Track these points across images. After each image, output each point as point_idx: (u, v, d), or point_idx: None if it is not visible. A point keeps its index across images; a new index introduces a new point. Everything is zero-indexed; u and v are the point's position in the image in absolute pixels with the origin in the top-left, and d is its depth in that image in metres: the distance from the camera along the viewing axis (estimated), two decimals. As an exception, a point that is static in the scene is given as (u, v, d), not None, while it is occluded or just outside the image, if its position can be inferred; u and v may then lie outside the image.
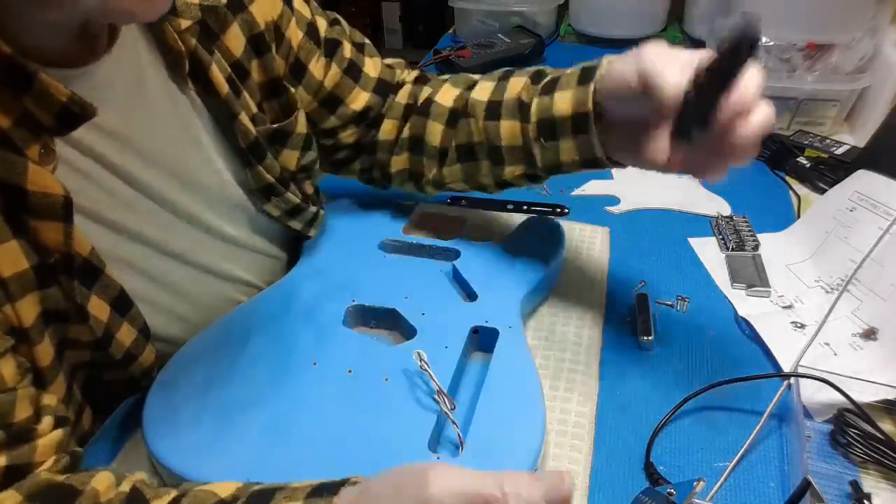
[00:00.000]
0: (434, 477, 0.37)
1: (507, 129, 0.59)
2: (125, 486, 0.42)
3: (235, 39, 0.55)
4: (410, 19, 3.43)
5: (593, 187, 0.90)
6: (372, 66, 0.68)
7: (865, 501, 0.50)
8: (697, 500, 0.50)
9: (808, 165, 0.91)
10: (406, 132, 0.68)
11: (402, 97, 0.69)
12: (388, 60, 0.71)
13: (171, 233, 0.55)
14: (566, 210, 0.85)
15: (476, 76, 0.67)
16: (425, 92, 0.68)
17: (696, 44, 1.28)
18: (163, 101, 0.52)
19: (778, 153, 0.94)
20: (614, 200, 0.87)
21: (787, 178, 0.92)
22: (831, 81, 0.96)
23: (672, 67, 0.46)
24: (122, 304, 0.50)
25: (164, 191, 0.53)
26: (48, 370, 0.45)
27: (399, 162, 0.69)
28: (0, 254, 0.40)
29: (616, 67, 0.52)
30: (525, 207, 0.85)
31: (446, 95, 0.66)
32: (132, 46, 0.50)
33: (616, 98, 0.53)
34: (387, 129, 0.69)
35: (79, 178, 0.47)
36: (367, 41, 0.69)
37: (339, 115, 0.66)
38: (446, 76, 0.69)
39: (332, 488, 0.40)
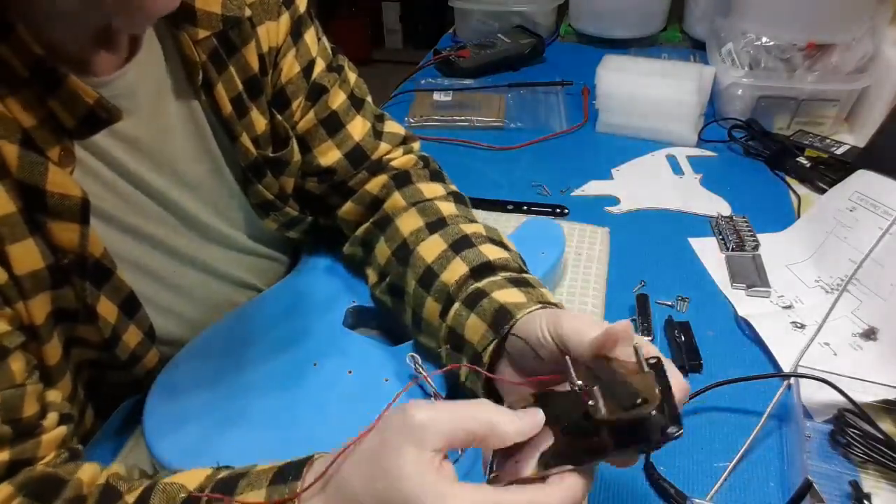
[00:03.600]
0: (416, 407, 0.36)
1: (431, 307, 0.55)
2: (101, 479, 0.42)
3: (253, 54, 0.55)
4: (410, 19, 3.44)
5: (593, 187, 0.90)
6: (359, 128, 0.62)
7: (865, 501, 0.50)
8: (698, 500, 0.50)
9: (808, 165, 0.91)
10: (361, 232, 0.64)
11: (374, 187, 0.63)
12: (388, 127, 0.65)
13: (180, 237, 0.56)
14: (566, 210, 0.85)
15: (444, 208, 0.60)
16: (391, 203, 0.62)
17: (696, 43, 1.28)
18: (180, 110, 0.53)
19: (778, 153, 0.94)
20: (614, 200, 0.87)
21: (787, 178, 0.92)
22: (831, 81, 0.96)
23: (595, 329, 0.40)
24: (131, 306, 0.51)
25: (174, 197, 0.54)
26: (55, 368, 0.46)
27: (351, 252, 0.66)
28: (16, 252, 0.41)
29: (530, 325, 0.46)
30: (525, 208, 0.85)
31: (406, 224, 0.60)
32: (154, 56, 0.50)
33: (519, 352, 0.47)
34: (349, 211, 0.64)
35: (94, 182, 0.47)
36: (368, 99, 0.64)
37: (306, 162, 0.62)
38: (417, 195, 0.62)
39: (295, 471, 0.39)
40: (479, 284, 0.52)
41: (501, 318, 0.49)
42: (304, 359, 0.57)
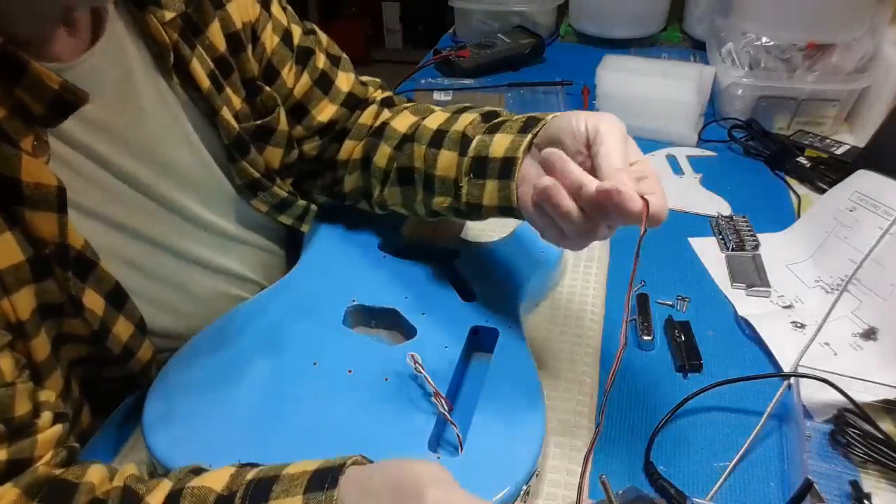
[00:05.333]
0: (433, 496, 0.37)
1: (445, 159, 0.58)
2: (118, 482, 0.42)
3: (218, 35, 0.56)
4: (410, 19, 3.44)
5: (593, 187, 0.90)
6: (345, 81, 0.67)
7: (865, 501, 0.50)
8: (698, 500, 0.50)
9: (808, 165, 0.91)
10: (359, 153, 0.67)
11: (366, 118, 0.67)
12: (365, 78, 0.70)
13: (162, 226, 0.55)
14: (566, 210, 0.84)
15: (434, 109, 0.65)
16: (384, 115, 0.67)
17: (696, 43, 1.28)
18: (150, 94, 0.53)
19: (778, 153, 0.94)
20: (614, 200, 0.87)
21: (787, 178, 0.91)
22: (831, 81, 0.96)
23: (621, 145, 0.46)
24: (117, 297, 0.50)
25: (152, 184, 0.53)
26: (44, 365, 0.46)
27: (352, 180, 0.68)
28: None
29: (564, 119, 0.50)
30: (525, 207, 0.85)
31: (402, 121, 0.64)
32: (119, 40, 0.50)
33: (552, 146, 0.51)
34: (347, 148, 0.67)
35: (69, 172, 0.47)
36: (343, 56, 0.68)
37: (304, 125, 0.65)
38: (408, 104, 0.68)
39: (331, 477, 0.40)
40: (496, 120, 0.57)
41: (531, 123, 0.53)
42: (304, 358, 0.57)
